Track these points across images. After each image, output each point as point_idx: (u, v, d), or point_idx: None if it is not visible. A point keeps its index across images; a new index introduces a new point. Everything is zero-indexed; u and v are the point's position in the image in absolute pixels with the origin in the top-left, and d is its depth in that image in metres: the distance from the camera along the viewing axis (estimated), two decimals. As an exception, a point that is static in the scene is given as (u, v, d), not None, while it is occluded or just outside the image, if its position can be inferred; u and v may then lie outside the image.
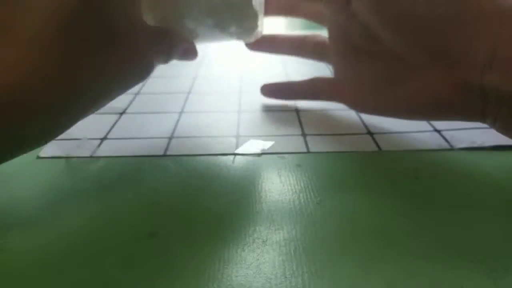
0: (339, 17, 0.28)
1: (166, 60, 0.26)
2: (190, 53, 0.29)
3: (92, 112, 0.22)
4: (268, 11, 0.31)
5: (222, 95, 0.39)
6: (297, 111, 0.35)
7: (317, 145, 0.29)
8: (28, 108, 0.18)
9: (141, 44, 0.22)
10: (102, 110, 0.36)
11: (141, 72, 0.23)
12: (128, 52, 0.22)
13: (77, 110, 0.21)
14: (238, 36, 0.29)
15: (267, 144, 0.29)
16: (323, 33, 0.32)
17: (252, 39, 0.29)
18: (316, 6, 0.32)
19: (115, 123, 0.33)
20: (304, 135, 0.30)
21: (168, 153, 0.28)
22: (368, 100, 0.29)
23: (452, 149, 0.28)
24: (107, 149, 0.29)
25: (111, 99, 0.23)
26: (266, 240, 0.20)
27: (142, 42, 0.23)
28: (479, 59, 0.21)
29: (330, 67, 0.35)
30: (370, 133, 0.30)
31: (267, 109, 0.35)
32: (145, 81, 0.43)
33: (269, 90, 0.36)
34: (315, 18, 0.33)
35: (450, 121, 0.28)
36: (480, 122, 0.24)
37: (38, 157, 0.28)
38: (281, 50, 0.35)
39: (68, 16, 0.19)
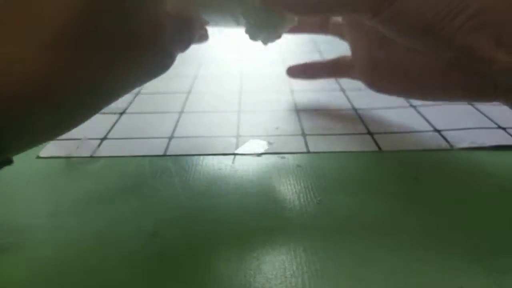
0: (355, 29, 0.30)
1: (185, 48, 0.26)
2: (203, 38, 0.30)
3: (112, 102, 0.22)
4: (301, 30, 0.34)
5: (222, 95, 0.39)
6: (297, 111, 0.35)
7: (317, 145, 0.29)
8: (51, 103, 0.19)
9: (161, 38, 0.23)
10: (102, 110, 0.36)
11: (162, 65, 0.24)
12: (148, 48, 0.22)
13: (96, 104, 0.21)
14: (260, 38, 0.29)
15: (267, 144, 0.29)
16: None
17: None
18: (341, 25, 0.33)
19: (115, 123, 0.33)
20: (304, 135, 0.30)
21: (168, 153, 0.28)
22: (384, 82, 0.29)
23: (452, 149, 0.28)
24: (107, 149, 0.29)
25: (131, 90, 0.23)
26: (266, 240, 0.20)
27: (162, 35, 0.22)
28: (485, 49, 0.22)
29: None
30: (370, 133, 0.30)
31: (267, 109, 0.35)
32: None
33: (296, 71, 0.37)
34: (339, 35, 0.34)
35: (463, 101, 0.29)
36: (493, 101, 0.24)
37: (38, 157, 0.28)
38: (306, 29, 0.36)
39: (81, 19, 0.19)
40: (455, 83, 0.24)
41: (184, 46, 0.26)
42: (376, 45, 0.28)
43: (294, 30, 0.34)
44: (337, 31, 0.34)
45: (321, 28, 0.35)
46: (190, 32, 0.26)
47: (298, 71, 0.37)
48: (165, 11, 0.22)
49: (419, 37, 0.23)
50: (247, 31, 0.27)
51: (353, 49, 0.31)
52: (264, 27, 0.27)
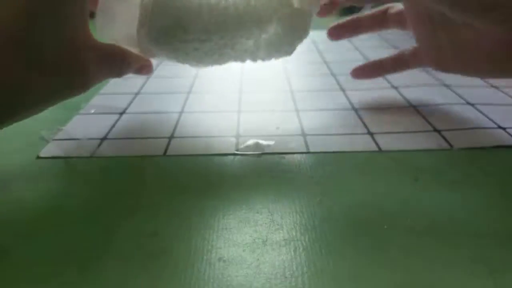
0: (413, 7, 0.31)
1: (117, 75, 0.28)
2: (145, 70, 0.31)
3: (19, 120, 0.24)
4: (362, 30, 0.36)
5: (222, 95, 0.39)
6: (297, 111, 0.35)
7: (317, 145, 0.29)
8: None
9: (75, 63, 0.24)
10: (102, 110, 0.36)
11: (75, 87, 0.25)
12: (56, 70, 0.23)
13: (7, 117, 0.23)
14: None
15: (267, 144, 0.29)
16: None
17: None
18: (375, 18, 0.35)
19: (115, 123, 0.33)
20: (304, 135, 0.30)
21: (168, 153, 0.28)
22: (449, 63, 0.31)
23: (452, 149, 0.28)
24: (107, 149, 0.29)
25: (40, 111, 0.24)
26: (266, 240, 0.20)
27: (76, 61, 0.24)
28: None
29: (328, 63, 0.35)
30: (370, 133, 0.30)
31: (267, 109, 0.35)
32: (145, 81, 0.43)
33: (360, 72, 0.38)
34: (377, 28, 0.36)
35: None
36: None
37: (38, 157, 0.28)
38: (365, 30, 0.37)
39: None
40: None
41: (114, 73, 0.28)
42: (438, 27, 0.29)
43: (356, 30, 0.36)
44: (397, 22, 0.34)
45: (381, 23, 0.35)
46: (122, 62, 0.28)
47: (362, 72, 0.38)
48: (87, 41, 0.25)
49: (480, 14, 0.24)
50: (255, 54, 0.28)
51: (417, 35, 0.32)
52: (294, 31, 0.27)
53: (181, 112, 0.35)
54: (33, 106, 0.24)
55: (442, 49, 0.30)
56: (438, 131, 0.30)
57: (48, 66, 0.23)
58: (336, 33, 0.36)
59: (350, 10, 0.39)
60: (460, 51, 0.29)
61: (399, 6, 0.35)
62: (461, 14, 0.26)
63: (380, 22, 0.36)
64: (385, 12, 0.35)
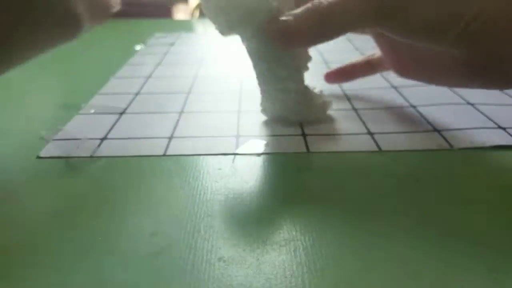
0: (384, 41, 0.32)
1: (99, 23, 0.28)
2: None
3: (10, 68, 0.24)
4: (331, 82, 0.39)
5: (222, 95, 0.39)
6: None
7: (317, 145, 0.29)
8: None
9: (66, 8, 0.24)
10: (102, 110, 0.36)
11: (69, 30, 0.25)
12: (46, 15, 0.24)
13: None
14: None
15: (267, 144, 0.29)
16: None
17: None
18: (365, 63, 0.37)
19: (115, 123, 0.33)
20: (304, 135, 0.30)
21: (168, 153, 0.28)
22: (409, 72, 0.32)
23: (452, 149, 0.28)
24: (107, 149, 0.29)
25: (40, 53, 0.26)
26: (266, 240, 0.20)
27: (67, 6, 0.24)
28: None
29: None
30: (370, 133, 0.30)
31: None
32: (145, 81, 0.43)
33: (333, 76, 0.39)
34: (369, 73, 0.38)
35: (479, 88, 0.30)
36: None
37: (38, 157, 0.28)
38: (356, 76, 0.38)
39: None
40: (471, 73, 0.26)
41: (97, 20, 0.28)
42: (397, 43, 0.30)
43: (351, 76, 0.38)
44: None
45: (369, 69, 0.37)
46: (104, 6, 0.28)
47: (336, 76, 0.39)
48: None
49: (425, 40, 0.25)
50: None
51: (380, 48, 0.34)
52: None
53: (181, 112, 0.35)
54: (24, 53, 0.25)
55: (402, 61, 0.32)
56: (438, 131, 0.30)
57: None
58: (332, 79, 0.39)
59: None
60: (421, 65, 0.30)
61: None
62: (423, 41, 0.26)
63: (372, 67, 0.37)
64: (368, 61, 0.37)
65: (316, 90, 0.32)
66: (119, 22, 0.64)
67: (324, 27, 0.25)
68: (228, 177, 0.25)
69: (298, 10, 0.26)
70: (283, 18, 0.26)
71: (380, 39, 0.32)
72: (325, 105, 0.32)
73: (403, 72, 0.32)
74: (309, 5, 0.26)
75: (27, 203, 0.23)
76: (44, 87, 0.42)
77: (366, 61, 0.37)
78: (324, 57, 0.50)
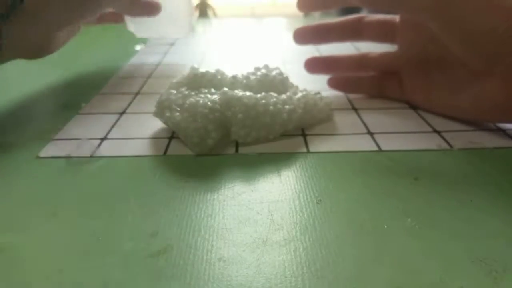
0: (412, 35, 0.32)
1: (124, 11, 0.37)
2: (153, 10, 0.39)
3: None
4: (299, 41, 0.35)
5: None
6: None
7: (317, 145, 0.29)
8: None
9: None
10: (102, 110, 0.36)
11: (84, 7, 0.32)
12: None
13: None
14: None
15: (266, 144, 0.29)
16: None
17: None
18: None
19: (115, 123, 0.33)
20: (304, 135, 0.30)
21: (168, 153, 0.28)
22: (434, 104, 0.32)
23: (452, 149, 0.28)
24: (107, 149, 0.29)
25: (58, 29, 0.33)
26: (266, 240, 0.20)
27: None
28: None
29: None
30: (370, 133, 0.30)
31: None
32: (145, 80, 0.43)
33: (314, 64, 0.36)
34: (349, 38, 0.35)
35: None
36: None
37: (38, 157, 0.28)
38: (335, 38, 0.36)
39: None
40: (501, 106, 0.27)
41: (122, 8, 0.38)
42: (426, 43, 0.30)
43: (324, 38, 0.35)
44: (374, 35, 0.34)
45: (353, 33, 0.35)
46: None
47: (316, 65, 0.37)
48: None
49: (467, 50, 0.27)
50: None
51: (403, 47, 0.33)
52: None
53: (181, 112, 0.35)
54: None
55: (422, 66, 0.31)
56: (438, 132, 0.30)
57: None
58: (301, 38, 0.35)
59: (349, 11, 0.39)
60: (447, 97, 0.30)
61: (376, 17, 0.34)
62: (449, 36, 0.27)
63: (352, 31, 0.34)
64: (359, 21, 0.34)
65: (313, 92, 0.32)
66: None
67: None
68: (228, 177, 0.25)
69: None
70: None
71: (408, 42, 0.32)
72: (326, 108, 0.32)
73: (426, 103, 0.32)
74: None
75: (27, 203, 0.23)
76: (44, 87, 0.42)
77: (358, 59, 0.36)
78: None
